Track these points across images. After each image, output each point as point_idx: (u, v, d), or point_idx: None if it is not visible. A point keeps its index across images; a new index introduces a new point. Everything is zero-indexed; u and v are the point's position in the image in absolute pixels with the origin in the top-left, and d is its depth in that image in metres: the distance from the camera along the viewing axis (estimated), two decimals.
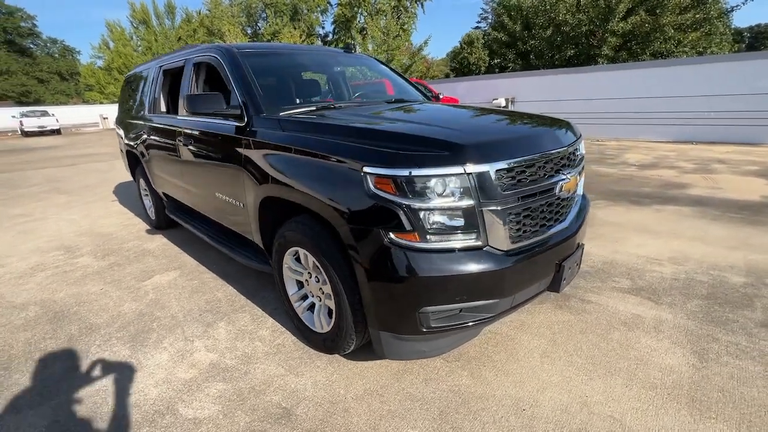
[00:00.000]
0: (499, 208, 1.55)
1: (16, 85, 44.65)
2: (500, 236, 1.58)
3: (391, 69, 3.38)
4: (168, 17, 43.94)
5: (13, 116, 23.04)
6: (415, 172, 1.45)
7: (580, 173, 2.05)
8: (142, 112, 3.70)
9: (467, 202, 1.51)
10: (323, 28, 38.80)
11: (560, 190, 1.76)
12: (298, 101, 2.38)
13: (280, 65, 2.72)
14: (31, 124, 22.04)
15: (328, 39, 37.05)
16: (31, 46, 48.89)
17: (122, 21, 50.55)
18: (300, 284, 2.14)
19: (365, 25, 21.19)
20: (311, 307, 2.10)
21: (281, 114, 2.16)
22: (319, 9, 39.68)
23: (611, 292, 2.52)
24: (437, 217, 1.50)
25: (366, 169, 1.51)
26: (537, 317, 2.29)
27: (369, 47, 21.39)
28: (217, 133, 2.44)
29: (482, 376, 1.84)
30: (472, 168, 1.48)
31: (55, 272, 3.29)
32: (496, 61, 22.67)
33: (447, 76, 32.18)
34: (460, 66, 30.77)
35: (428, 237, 1.50)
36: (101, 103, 41.50)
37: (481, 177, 1.50)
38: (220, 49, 2.56)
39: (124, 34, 43.33)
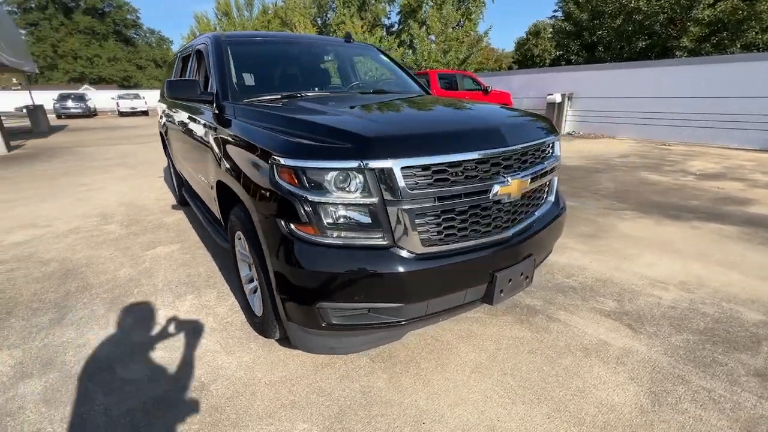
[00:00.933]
0: (407, 207, 1.46)
1: (120, 70, 50.86)
2: (410, 238, 1.50)
3: (390, 59, 3.29)
4: (247, 9, 46.88)
5: (112, 98, 26.31)
6: (312, 163, 1.42)
7: (539, 177, 1.85)
8: (164, 95, 4.04)
9: (369, 199, 1.44)
10: (389, 18, 38.83)
11: (495, 195, 1.61)
12: (270, 90, 2.42)
13: (266, 54, 2.79)
14: (125, 105, 25.05)
15: (393, 29, 37.04)
16: (134, 36, 55.22)
17: (209, 13, 54.98)
18: (249, 267, 2.21)
19: (426, 15, 20.71)
20: (256, 290, 2.17)
21: (243, 102, 2.22)
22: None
23: (587, 313, 2.26)
24: (336, 212, 1.46)
25: (272, 159, 1.51)
26: (489, 329, 2.14)
27: (426, 38, 20.94)
28: (201, 118, 2.59)
29: (399, 382, 1.77)
30: (373, 163, 1.41)
31: (84, 236, 3.75)
32: (558, 53, 20.95)
33: (509, 68, 30.48)
34: (524, 58, 28.90)
35: (327, 231, 1.47)
36: None
37: (385, 174, 1.42)
38: (209, 37, 2.69)
39: (209, 25, 47.10)
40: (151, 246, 3.45)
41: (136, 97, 25.99)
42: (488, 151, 1.60)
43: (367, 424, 1.55)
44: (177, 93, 2.34)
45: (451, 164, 1.52)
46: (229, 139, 1.98)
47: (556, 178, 2.11)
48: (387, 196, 1.44)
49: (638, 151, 8.26)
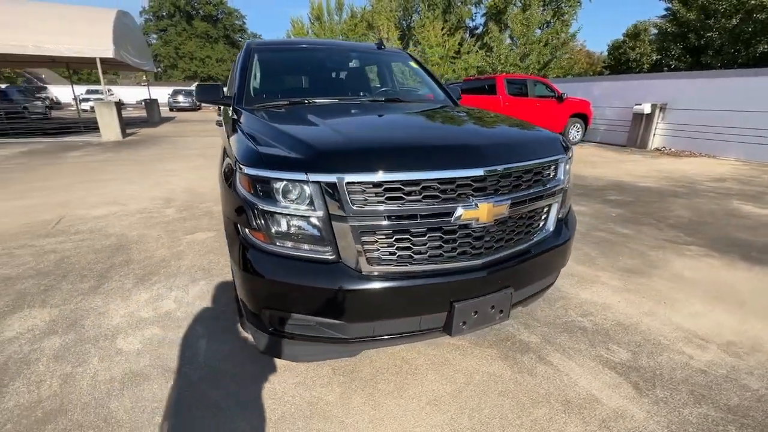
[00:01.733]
0: (354, 224, 1.42)
1: (225, 69, 57.05)
2: (355, 256, 1.45)
3: (421, 67, 3.21)
4: (337, 13, 49.36)
5: None
6: (264, 173, 1.45)
7: (527, 202, 1.66)
8: None
9: (316, 213, 1.43)
10: (473, 20, 37.92)
11: (459, 219, 1.48)
12: (282, 96, 2.52)
13: (290, 61, 2.91)
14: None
15: (477, 31, 36.10)
16: (239, 39, 61.55)
17: (303, 18, 58.95)
18: None
19: (511, 17, 19.74)
20: None
21: (254, 107, 2.35)
22: (473, 1, 38.85)
23: (588, 361, 1.97)
24: (285, 222, 1.48)
25: (236, 165, 1.58)
26: (467, 360, 1.98)
27: (504, 42, 19.91)
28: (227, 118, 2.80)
29: (350, 400, 1.73)
30: (318, 177, 1.39)
31: (146, 216, 4.30)
32: (655, 57, 18.33)
33: (599, 73, 27.54)
34: (617, 62, 25.83)
35: (276, 240, 1.49)
36: None
37: (330, 188, 1.40)
38: (247, 43, 2.89)
39: (303, 29, 50.57)
40: (191, 231, 3.83)
41: None
42: (454, 172, 1.48)
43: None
44: (202, 96, 2.56)
45: (406, 182, 1.44)
46: (229, 142, 2.12)
47: (556, 205, 1.87)
48: (333, 211, 1.42)
49: (739, 175, 6.94)
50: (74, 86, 20.81)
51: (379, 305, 1.50)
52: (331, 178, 1.39)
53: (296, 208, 1.44)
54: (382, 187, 1.42)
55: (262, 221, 1.48)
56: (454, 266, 1.55)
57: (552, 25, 20.72)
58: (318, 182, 1.40)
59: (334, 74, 2.98)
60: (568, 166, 1.99)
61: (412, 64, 3.21)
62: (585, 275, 2.92)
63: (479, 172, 1.50)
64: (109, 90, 27.25)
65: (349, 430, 1.57)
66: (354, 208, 1.40)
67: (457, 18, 36.89)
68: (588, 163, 8.16)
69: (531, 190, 1.69)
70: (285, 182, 1.43)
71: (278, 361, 1.96)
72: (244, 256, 1.53)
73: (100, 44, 11.28)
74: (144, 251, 3.34)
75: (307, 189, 1.41)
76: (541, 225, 1.84)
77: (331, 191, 1.40)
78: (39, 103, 19.44)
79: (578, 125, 10.50)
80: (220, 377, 1.85)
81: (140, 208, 4.61)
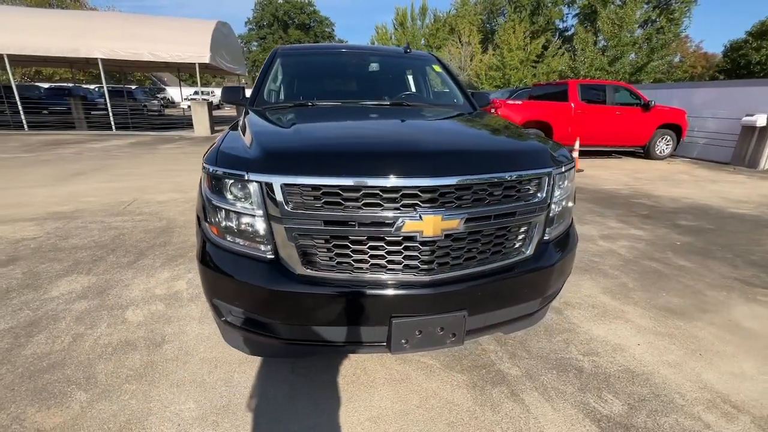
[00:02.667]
0: (289, 226, 1.42)
1: None
2: (291, 257, 1.46)
3: (447, 71, 3.09)
4: (420, 18, 49.79)
5: None
6: (216, 169, 1.52)
7: (491, 219, 1.51)
8: None
9: (256, 212, 1.46)
10: (564, 21, 35.39)
11: (400, 230, 1.40)
12: (292, 98, 2.62)
13: (310, 64, 3.00)
14: None
15: (567, 33, 33.64)
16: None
17: (388, 24, 60.44)
18: None
19: (601, 16, 17.92)
20: None
21: (260, 108, 2.48)
22: (565, 1, 36.38)
23: (569, 407, 1.71)
24: (232, 219, 1.53)
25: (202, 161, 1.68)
26: (430, 381, 1.86)
27: (592, 44, 18.08)
28: None
29: (294, 402, 1.73)
30: (256, 177, 1.42)
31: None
32: None
33: (713, 78, 23.46)
34: (734, 66, 21.64)
35: (225, 235, 1.56)
36: None
37: (268, 188, 1.42)
38: (275, 48, 3.06)
39: (386, 35, 51.94)
40: None
41: None
42: (399, 180, 1.40)
43: (236, 426, 1.59)
44: (226, 97, 2.78)
45: (346, 188, 1.40)
46: None
47: (539, 225, 1.65)
48: (271, 211, 1.44)
49: None
50: (187, 87, 24.01)
51: (314, 310, 1.48)
52: (268, 178, 1.40)
53: (242, 206, 1.48)
54: (320, 191, 1.40)
55: (215, 216, 1.56)
56: (398, 279, 1.47)
57: (657, 22, 18.33)
58: (258, 182, 1.43)
59: (350, 78, 3.02)
60: (565, 183, 1.76)
61: (436, 68, 3.11)
62: (609, 308, 2.54)
63: (429, 182, 1.40)
64: (212, 92, 30.91)
65: (287, 426, 1.58)
66: (290, 210, 1.40)
67: (546, 19, 34.81)
68: (671, 181, 7.08)
69: (498, 206, 1.52)
70: (232, 180, 1.48)
71: (245, 354, 2.03)
72: (201, 248, 1.63)
73: (199, 51, 12.85)
74: (183, 235, 3.73)
75: (250, 188, 1.45)
76: (515, 246, 1.64)
77: (269, 192, 1.42)
78: (156, 102, 22.76)
79: (668, 138, 9.16)
80: (190, 358, 1.99)
81: (195, 196, 5.15)
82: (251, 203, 1.46)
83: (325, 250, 1.46)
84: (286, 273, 1.47)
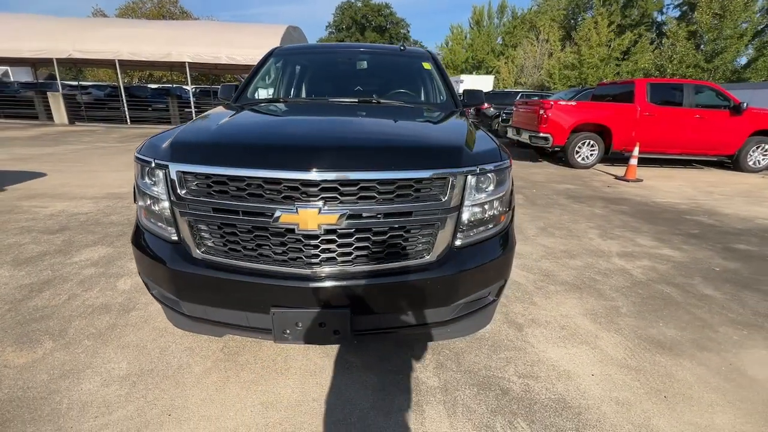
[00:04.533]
0: (185, 211, 1.54)
1: None
2: (189, 240, 1.57)
3: (438, 70, 2.99)
4: (497, 16, 47.99)
5: None
6: (137, 155, 1.69)
7: (373, 218, 1.46)
8: None
9: (162, 196, 1.59)
10: (663, 13, 31.50)
11: (277, 221, 1.44)
12: (272, 95, 2.75)
13: (300, 63, 3.11)
14: None
15: (664, 28, 29.95)
16: (401, 48, 66.19)
17: (463, 24, 59.24)
18: None
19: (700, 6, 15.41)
20: None
21: (235, 105, 2.64)
22: None
23: (470, 427, 1.58)
24: (151, 202, 1.68)
25: None
26: (342, 379, 1.85)
27: (685, 39, 15.60)
28: None
29: (208, 377, 1.85)
30: (160, 163, 1.56)
31: None
32: None
33: None
34: None
35: (147, 217, 1.72)
36: None
37: (168, 174, 1.54)
38: (272, 48, 3.24)
39: (461, 34, 51.04)
40: None
41: None
42: (280, 172, 1.43)
43: (147, 389, 1.75)
44: (221, 94, 3.01)
45: (232, 178, 1.47)
46: None
47: (446, 229, 1.55)
48: (172, 197, 1.56)
49: None
50: (263, 89, 26.17)
51: (206, 292, 1.57)
52: (167, 165, 1.53)
53: (155, 190, 1.63)
54: (211, 179, 1.49)
55: (140, 199, 1.73)
56: (281, 271, 1.50)
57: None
58: (162, 169, 1.56)
59: (336, 76, 3.06)
60: (488, 186, 1.64)
61: (426, 65, 3.02)
62: (582, 332, 2.26)
63: (309, 175, 1.41)
64: None
65: (185, 400, 1.70)
66: (186, 196, 1.52)
67: (641, 12, 31.31)
68: (755, 198, 5.94)
69: (389, 206, 1.47)
70: (146, 166, 1.64)
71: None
72: (134, 228, 1.82)
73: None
74: None
75: (158, 174, 1.59)
76: (415, 249, 1.56)
77: (170, 178, 1.54)
78: None
79: (766, 147, 7.67)
80: (145, 326, 2.22)
81: None
82: (159, 188, 1.60)
83: (217, 236, 1.55)
84: (185, 255, 1.58)
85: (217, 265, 1.54)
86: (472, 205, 1.61)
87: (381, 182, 1.46)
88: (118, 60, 14.44)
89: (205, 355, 1.99)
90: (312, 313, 1.49)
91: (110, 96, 18.49)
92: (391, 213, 1.48)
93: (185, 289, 1.60)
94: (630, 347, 2.13)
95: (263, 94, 3.05)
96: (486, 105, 13.75)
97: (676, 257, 3.42)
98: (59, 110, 14.62)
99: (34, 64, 19.92)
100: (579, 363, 2.00)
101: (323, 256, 1.49)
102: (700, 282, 2.96)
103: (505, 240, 1.78)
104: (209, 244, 1.56)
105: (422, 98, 2.89)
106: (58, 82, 15.38)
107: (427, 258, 1.56)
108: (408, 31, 65.00)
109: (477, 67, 45.43)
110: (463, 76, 32.17)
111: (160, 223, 1.66)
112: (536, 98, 11.38)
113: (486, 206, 1.67)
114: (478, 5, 48.64)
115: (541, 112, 7.51)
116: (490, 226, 1.72)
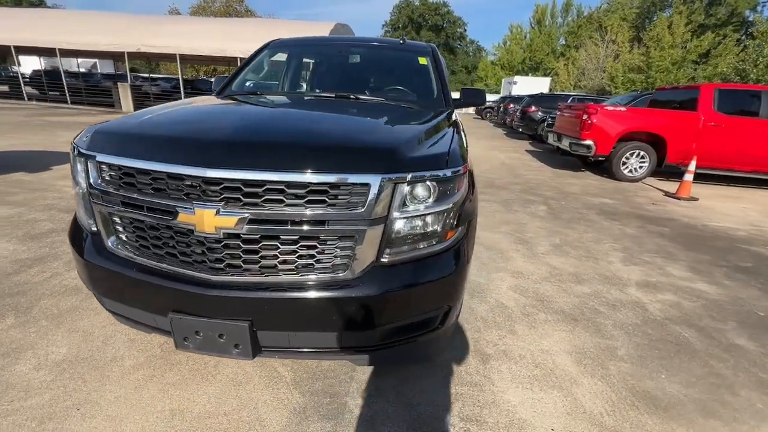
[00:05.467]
0: (98, 202, 1.48)
1: None
2: (103, 233, 1.51)
3: (436, 67, 2.74)
4: (562, 15, 45.33)
5: None
6: (72, 140, 1.66)
7: (281, 224, 1.30)
8: None
9: (83, 185, 1.53)
10: (756, 11, 27.89)
11: (176, 220, 1.33)
12: (253, 87, 2.68)
13: (291, 56, 3.01)
14: None
15: (752, 29, 26.57)
16: (458, 46, 64.82)
17: (523, 23, 56.77)
18: None
19: None
20: None
21: (217, 96, 2.60)
22: None
23: None
24: (77, 189, 1.62)
25: None
26: (265, 394, 1.71)
27: None
28: None
29: (136, 372, 1.80)
30: (80, 149, 1.51)
31: None
32: None
33: None
34: None
35: (77, 204, 1.68)
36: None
37: (87, 163, 1.48)
38: (270, 41, 3.18)
39: (521, 33, 48.97)
40: None
41: None
42: (181, 168, 1.31)
43: (75, 377, 1.73)
44: (214, 86, 3.00)
45: (139, 171, 1.38)
46: None
47: (367, 244, 1.35)
48: (90, 187, 1.50)
49: None
50: None
51: (114, 286, 1.51)
52: (86, 153, 1.48)
53: (78, 178, 1.58)
54: (121, 171, 1.42)
55: (73, 185, 1.70)
56: (182, 273, 1.39)
57: None
58: (83, 156, 1.51)
59: (326, 70, 2.92)
60: (426, 198, 1.41)
61: (422, 61, 2.78)
62: (558, 373, 1.93)
63: (208, 173, 1.28)
64: None
65: (101, 396, 1.66)
66: (99, 185, 1.45)
67: (729, 10, 27.98)
68: None
69: (298, 211, 1.30)
70: (73, 152, 1.59)
71: None
72: (73, 215, 1.81)
73: None
74: None
75: (80, 162, 1.54)
76: (332, 263, 1.37)
77: (88, 167, 1.49)
78: None
79: None
80: (103, 312, 2.24)
81: None
82: (82, 177, 1.55)
83: (128, 231, 1.47)
84: (99, 247, 1.52)
85: (125, 261, 1.46)
86: (405, 218, 1.40)
87: (290, 185, 1.29)
88: (179, 54, 15.48)
89: (143, 349, 1.95)
90: (211, 323, 1.37)
91: (175, 88, 19.95)
92: (302, 221, 1.31)
93: (97, 282, 1.55)
94: (613, 401, 1.78)
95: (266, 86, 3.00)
96: (533, 108, 12.97)
97: (710, 294, 2.89)
98: (126, 99, 15.99)
99: (114, 56, 21.99)
100: (541, 412, 1.69)
101: (227, 262, 1.35)
102: (734, 328, 2.45)
103: (451, 260, 1.53)
104: (122, 238, 1.49)
105: (412, 95, 2.66)
106: (128, 73, 16.84)
107: (345, 274, 1.37)
108: (465, 30, 63.65)
109: (535, 68, 43.31)
110: (516, 78, 30.80)
111: (83, 212, 1.61)
112: (588, 102, 10.49)
113: (424, 220, 1.44)
114: (542, 3, 46.33)
115: (585, 117, 6.85)
116: (433, 242, 1.49)
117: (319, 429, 1.55)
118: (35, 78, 20.97)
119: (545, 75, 36.62)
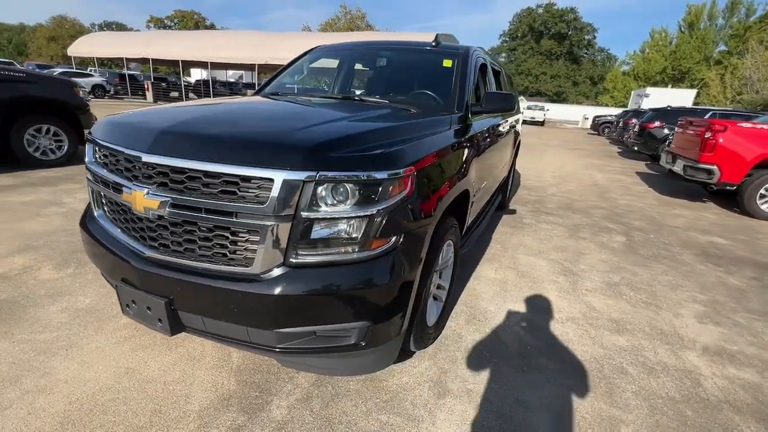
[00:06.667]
0: (88, 178, 1.75)
1: (556, 86, 56.78)
2: (93, 205, 1.79)
3: (460, 70, 2.53)
4: (724, 16, 37.82)
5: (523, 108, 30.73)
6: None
7: (194, 210, 1.37)
8: None
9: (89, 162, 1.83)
10: None
11: (121, 196, 1.51)
12: (288, 88, 2.84)
13: (330, 60, 3.10)
14: (528, 114, 28.79)
15: None
16: (584, 54, 58.97)
17: (669, 27, 48.98)
18: None
19: None
20: None
21: (253, 94, 2.84)
22: None
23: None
24: None
25: None
26: (203, 373, 1.79)
27: None
28: None
29: (104, 335, 2.06)
30: (89, 133, 1.80)
31: None
32: None
33: None
34: None
35: None
36: (606, 105, 44.84)
37: (89, 145, 1.77)
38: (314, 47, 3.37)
39: (664, 39, 42.43)
40: None
41: (539, 108, 29.01)
42: (126, 150, 1.48)
43: (71, 326, 2.07)
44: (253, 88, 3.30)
45: (111, 151, 1.59)
46: None
47: (273, 239, 1.32)
48: (86, 167, 1.79)
49: None
50: None
51: (93, 251, 1.74)
52: (89, 137, 1.77)
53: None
54: (103, 152, 1.66)
55: None
56: (128, 246, 1.55)
57: None
58: (90, 138, 1.80)
59: (345, 74, 2.93)
60: (346, 200, 1.33)
61: (446, 63, 2.58)
62: None
63: (143, 157, 1.42)
64: None
65: (88, 342, 1.94)
66: (89, 164, 1.73)
67: None
68: None
69: (212, 201, 1.34)
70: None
71: None
72: None
73: None
74: None
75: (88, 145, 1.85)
76: (238, 255, 1.37)
77: (88, 146, 1.78)
78: None
79: None
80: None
81: None
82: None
83: (104, 205, 1.72)
84: (90, 218, 1.80)
85: (101, 231, 1.70)
86: (316, 220, 1.33)
87: (206, 174, 1.35)
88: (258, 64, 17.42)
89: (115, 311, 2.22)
90: (141, 295, 1.50)
91: None
92: (215, 210, 1.35)
93: (86, 247, 1.82)
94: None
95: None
96: (656, 124, 11.03)
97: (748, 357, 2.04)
98: None
99: (251, 68, 25.81)
100: None
101: (160, 241, 1.47)
102: None
103: (373, 273, 1.40)
104: (103, 210, 1.73)
105: (424, 97, 2.51)
106: (256, 82, 19.59)
107: (252, 269, 1.36)
108: (594, 37, 57.62)
109: (678, 79, 36.83)
110: (649, 89, 26.62)
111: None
112: (734, 118, 8.49)
113: (339, 225, 1.35)
114: (696, 3, 39.39)
115: (707, 135, 5.54)
116: (349, 250, 1.38)
117: (231, 420, 1.55)
118: (196, 86, 26.06)
119: (691, 86, 30.87)
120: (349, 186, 1.32)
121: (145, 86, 22.49)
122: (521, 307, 2.59)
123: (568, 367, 2.02)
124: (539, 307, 2.62)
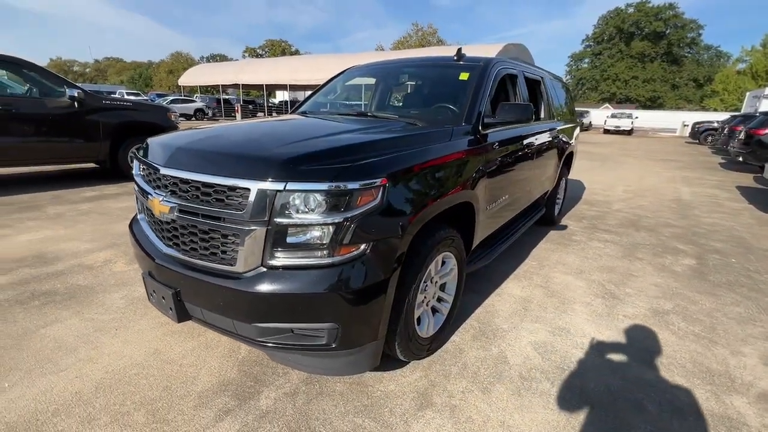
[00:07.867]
0: (135, 188, 2.12)
1: (650, 90, 51.00)
2: (137, 210, 2.16)
3: (477, 83, 2.52)
4: None
5: (606, 116, 28.06)
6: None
7: (195, 216, 1.61)
8: None
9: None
10: None
11: (147, 201, 1.82)
12: (322, 106, 3.09)
13: (361, 76, 3.28)
14: (611, 123, 26.29)
15: None
16: (686, 54, 52.25)
17: None
18: None
19: None
20: None
21: (285, 114, 3.13)
22: None
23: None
24: None
25: None
26: (212, 360, 2.02)
27: None
28: None
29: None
30: (134, 152, 2.18)
31: None
32: None
33: None
34: None
35: None
36: (714, 109, 38.95)
37: (134, 161, 2.15)
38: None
39: None
40: None
41: (626, 116, 26.30)
42: (156, 165, 1.78)
43: (125, 310, 2.47)
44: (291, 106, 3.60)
45: (145, 164, 1.93)
46: None
47: (246, 244, 1.49)
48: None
49: None
50: None
51: (133, 247, 2.09)
52: (135, 154, 2.15)
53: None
54: (142, 166, 2.00)
55: None
56: (153, 244, 1.85)
57: None
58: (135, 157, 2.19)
59: (371, 92, 3.05)
60: (308, 206, 1.46)
61: (462, 77, 2.57)
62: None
63: (161, 169, 1.72)
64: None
65: (134, 324, 2.31)
66: (135, 175, 2.10)
67: None
68: None
69: (206, 207, 1.56)
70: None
71: None
72: None
73: None
74: None
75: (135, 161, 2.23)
76: (225, 254, 1.57)
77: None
78: None
79: None
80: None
81: None
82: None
83: (142, 208, 2.06)
84: (134, 220, 2.18)
85: (139, 231, 2.04)
86: (287, 225, 1.47)
87: (203, 184, 1.58)
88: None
89: (137, 298, 2.57)
90: (158, 286, 1.77)
91: None
92: (209, 215, 1.57)
93: (131, 244, 2.19)
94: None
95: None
96: (766, 131, 9.36)
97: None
98: None
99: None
100: None
101: (173, 240, 1.74)
102: None
103: (338, 277, 1.50)
104: (144, 214, 2.08)
105: (435, 111, 2.54)
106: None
107: (236, 267, 1.55)
108: (699, 34, 50.90)
109: None
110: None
111: None
112: None
113: (310, 231, 1.48)
114: None
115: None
116: (318, 254, 1.49)
117: (223, 404, 1.74)
118: (279, 106, 28.71)
119: None
120: (316, 196, 1.44)
121: (236, 108, 25.44)
122: (538, 328, 2.43)
123: (575, 396, 1.86)
124: (560, 329, 2.44)
